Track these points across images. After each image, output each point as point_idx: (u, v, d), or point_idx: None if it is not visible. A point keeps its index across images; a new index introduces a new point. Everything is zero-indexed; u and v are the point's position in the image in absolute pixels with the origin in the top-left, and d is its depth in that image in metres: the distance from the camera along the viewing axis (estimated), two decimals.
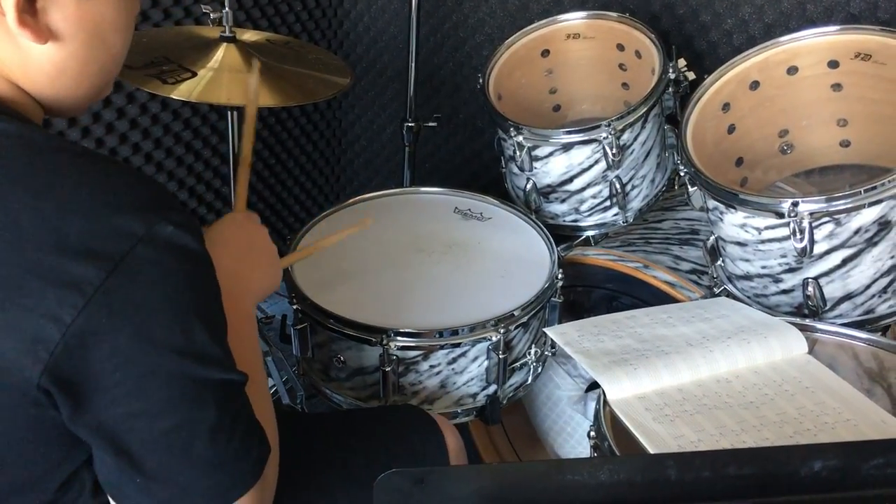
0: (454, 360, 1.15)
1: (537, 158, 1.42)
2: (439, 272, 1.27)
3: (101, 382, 0.61)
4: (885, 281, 1.06)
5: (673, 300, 1.25)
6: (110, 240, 0.60)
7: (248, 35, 1.55)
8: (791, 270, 1.10)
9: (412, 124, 1.82)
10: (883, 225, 1.02)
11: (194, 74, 1.35)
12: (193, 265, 0.65)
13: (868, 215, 1.01)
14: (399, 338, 1.11)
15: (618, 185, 1.41)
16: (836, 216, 1.02)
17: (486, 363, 1.17)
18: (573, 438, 1.48)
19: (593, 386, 1.39)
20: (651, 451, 0.82)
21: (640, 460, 0.67)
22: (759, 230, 1.09)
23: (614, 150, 1.36)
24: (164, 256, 0.62)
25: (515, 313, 1.16)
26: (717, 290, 1.23)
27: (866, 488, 0.57)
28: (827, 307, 1.10)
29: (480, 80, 1.54)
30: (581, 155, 1.39)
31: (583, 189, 1.43)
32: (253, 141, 1.06)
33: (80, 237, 0.59)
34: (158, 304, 0.62)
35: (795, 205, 1.02)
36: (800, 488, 0.57)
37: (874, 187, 0.99)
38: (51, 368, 0.59)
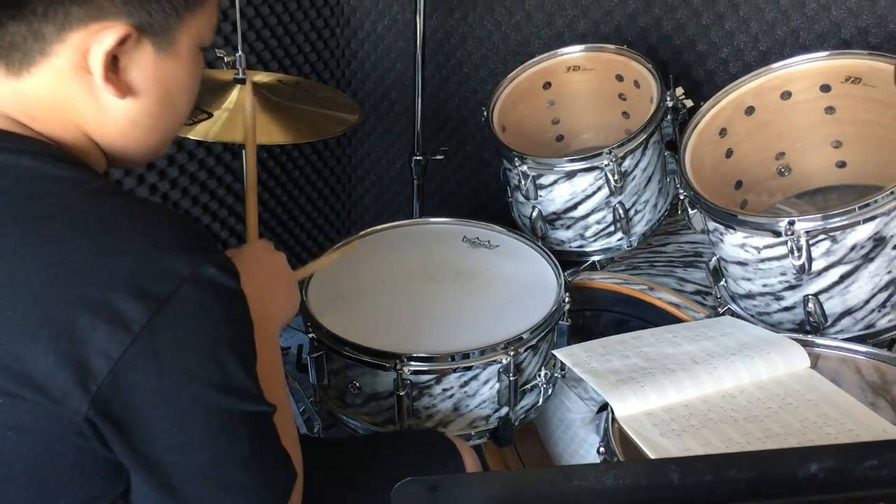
0: (466, 384, 1.18)
1: (542, 187, 1.46)
2: (450, 299, 1.30)
3: (146, 416, 0.65)
4: (883, 296, 1.09)
5: (679, 321, 1.27)
6: (158, 280, 0.64)
7: (260, 76, 1.61)
8: (791, 288, 1.12)
9: (420, 158, 1.85)
10: (878, 241, 1.05)
11: (210, 115, 1.40)
12: (232, 304, 0.69)
13: (863, 232, 1.04)
14: (412, 362, 1.14)
15: (621, 211, 1.45)
16: (831, 233, 1.05)
17: (497, 385, 1.20)
18: (586, 461, 1.49)
19: (603, 409, 1.41)
20: None
21: (644, 465, 0.69)
22: (758, 249, 1.12)
23: (616, 177, 1.40)
24: (206, 296, 0.65)
25: (524, 336, 1.19)
26: (721, 310, 1.25)
27: (862, 489, 0.59)
28: (828, 323, 1.12)
29: (485, 113, 1.59)
30: (584, 182, 1.43)
31: (587, 215, 1.47)
32: (255, 168, 1.09)
33: (131, 276, 0.63)
34: (199, 341, 0.66)
35: (792, 223, 1.05)
36: (797, 490, 0.59)
37: (867, 204, 1.02)
38: (98, 400, 0.63)
